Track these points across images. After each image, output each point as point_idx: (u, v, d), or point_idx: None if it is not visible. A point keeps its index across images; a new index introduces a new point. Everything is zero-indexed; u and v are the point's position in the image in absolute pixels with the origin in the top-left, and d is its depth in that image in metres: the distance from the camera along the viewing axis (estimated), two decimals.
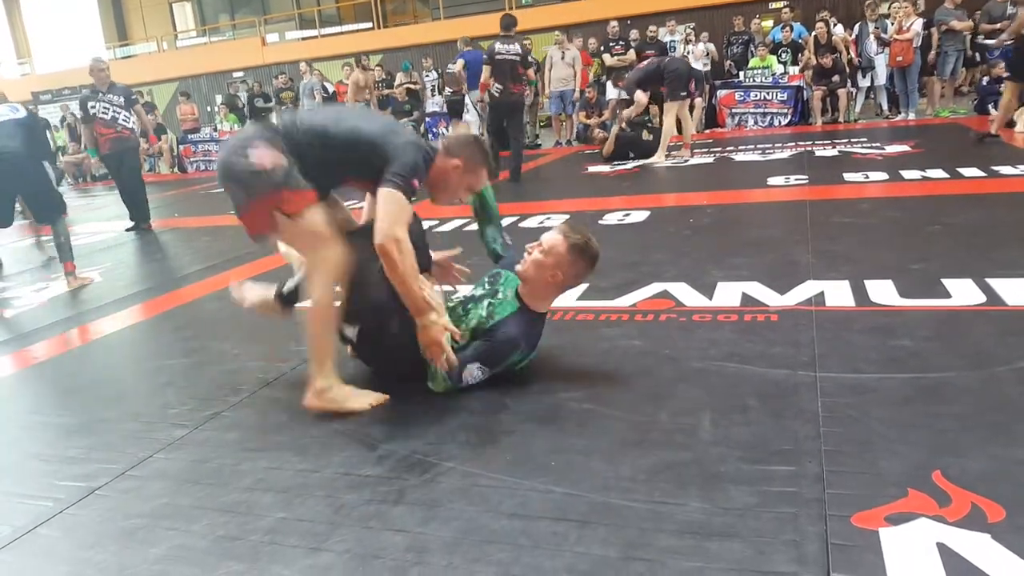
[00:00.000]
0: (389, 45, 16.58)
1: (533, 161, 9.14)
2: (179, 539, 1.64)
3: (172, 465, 2.02)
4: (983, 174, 5.25)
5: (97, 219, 8.05)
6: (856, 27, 10.54)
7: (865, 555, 1.36)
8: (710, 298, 2.98)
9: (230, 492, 1.83)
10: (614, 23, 11.29)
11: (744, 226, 4.52)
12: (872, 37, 9.99)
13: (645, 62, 8.36)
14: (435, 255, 2.60)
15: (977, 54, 9.96)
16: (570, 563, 1.42)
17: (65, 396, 2.78)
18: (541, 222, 5.02)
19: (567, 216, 5.16)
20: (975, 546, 1.36)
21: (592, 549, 1.45)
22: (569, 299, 3.12)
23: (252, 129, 2.32)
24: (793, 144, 8.21)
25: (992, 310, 2.58)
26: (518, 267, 2.36)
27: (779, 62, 10.74)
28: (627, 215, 5.00)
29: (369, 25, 18.20)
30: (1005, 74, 8.75)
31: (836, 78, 9.94)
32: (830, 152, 7.29)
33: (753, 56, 11.00)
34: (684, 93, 7.76)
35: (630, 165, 7.87)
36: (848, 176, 5.74)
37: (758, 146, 8.36)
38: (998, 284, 2.79)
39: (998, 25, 9.04)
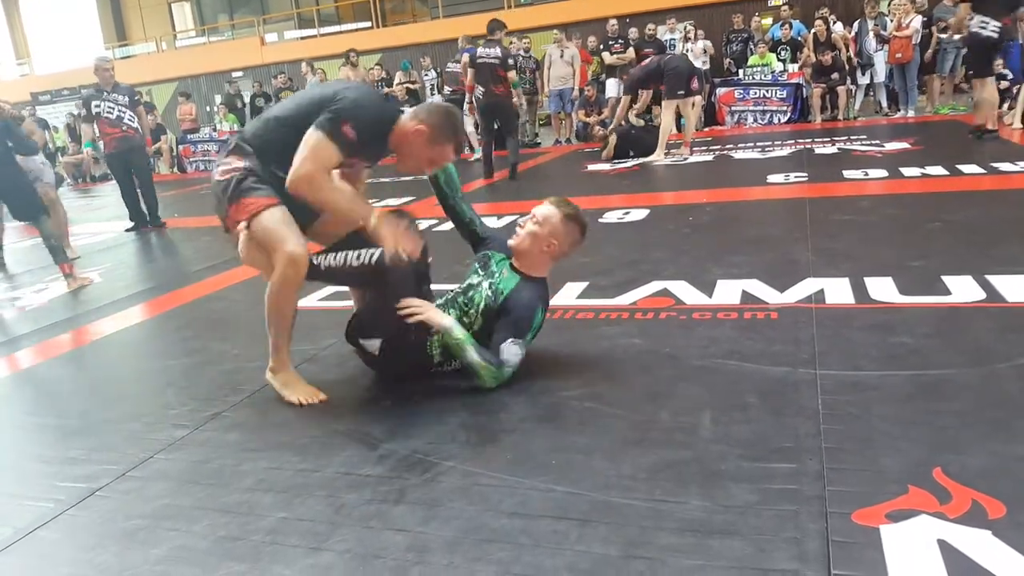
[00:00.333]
0: (388, 44, 16.56)
1: (532, 160, 9.14)
2: (180, 540, 1.64)
3: (173, 466, 2.02)
4: (982, 171, 5.25)
5: (96, 219, 8.05)
6: (855, 24, 10.53)
7: (866, 552, 1.36)
8: (710, 296, 2.98)
9: (231, 492, 1.83)
10: (613, 21, 11.29)
11: (744, 224, 4.51)
12: (871, 34, 9.99)
13: (646, 60, 8.36)
14: None
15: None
16: (571, 562, 1.42)
17: (65, 397, 2.78)
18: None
19: None
20: (976, 543, 1.36)
21: (593, 548, 1.45)
22: (569, 298, 3.13)
23: (228, 141, 2.37)
24: (793, 142, 8.21)
25: (992, 307, 2.58)
26: (511, 241, 2.37)
27: (778, 60, 10.73)
28: (627, 213, 5.00)
29: (368, 24, 18.19)
30: (1004, 72, 8.77)
31: (835, 75, 9.94)
32: (830, 150, 7.29)
33: (752, 54, 11.00)
34: (682, 91, 7.75)
35: (630, 163, 7.87)
36: (848, 173, 5.74)
37: (758, 144, 8.36)
38: (998, 281, 2.79)
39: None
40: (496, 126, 7.91)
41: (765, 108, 10.57)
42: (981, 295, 2.68)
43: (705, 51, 11.23)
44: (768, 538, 1.43)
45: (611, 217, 4.94)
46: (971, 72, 7.25)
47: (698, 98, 10.25)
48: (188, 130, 14.33)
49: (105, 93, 6.62)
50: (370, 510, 1.68)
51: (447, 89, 10.96)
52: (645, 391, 2.17)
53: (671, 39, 11.19)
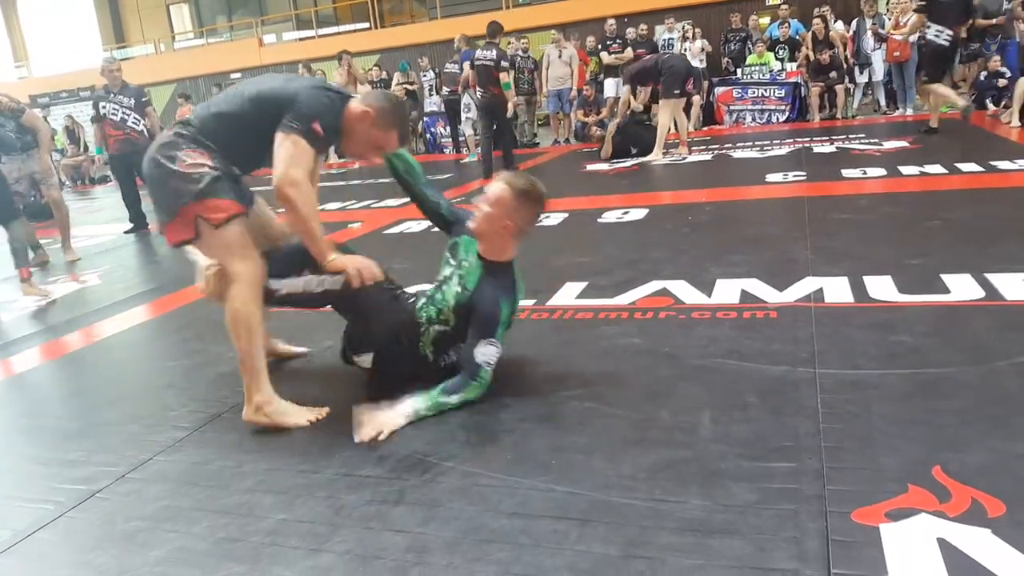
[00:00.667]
0: (386, 45, 16.55)
1: (531, 160, 9.14)
2: (180, 541, 1.64)
3: (172, 467, 2.02)
4: (981, 169, 5.26)
5: (95, 222, 8.05)
6: (854, 23, 10.53)
7: (866, 551, 1.36)
8: (709, 295, 2.98)
9: (231, 494, 1.83)
10: (611, 21, 11.28)
11: (742, 223, 4.52)
12: (869, 33, 9.99)
13: (645, 57, 8.38)
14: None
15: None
16: (571, 562, 1.42)
17: (64, 399, 2.77)
18: (539, 220, 5.00)
19: (566, 215, 5.16)
20: (975, 541, 1.36)
21: (593, 547, 1.45)
22: (568, 298, 3.13)
23: (171, 133, 2.25)
24: (791, 140, 8.22)
25: (991, 305, 2.58)
26: (471, 224, 2.34)
27: (776, 59, 10.74)
28: (626, 213, 5.00)
29: (366, 25, 18.18)
30: (1002, 69, 8.79)
31: (833, 74, 9.94)
32: (828, 148, 7.29)
33: (751, 53, 11.00)
34: (678, 91, 7.76)
35: (628, 163, 7.87)
36: (846, 172, 5.74)
37: (756, 143, 8.36)
38: (997, 279, 2.79)
39: (993, 20, 9.05)
40: (495, 126, 7.99)
41: (763, 107, 10.58)
42: (980, 293, 2.68)
43: (703, 50, 11.23)
44: (768, 537, 1.43)
45: (610, 217, 4.94)
46: (925, 76, 7.65)
47: (697, 97, 10.27)
48: None
49: (112, 95, 6.61)
50: (370, 511, 1.68)
51: (445, 90, 10.97)
52: (644, 391, 2.17)
53: (669, 38, 11.19)
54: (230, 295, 2.18)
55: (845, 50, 10.20)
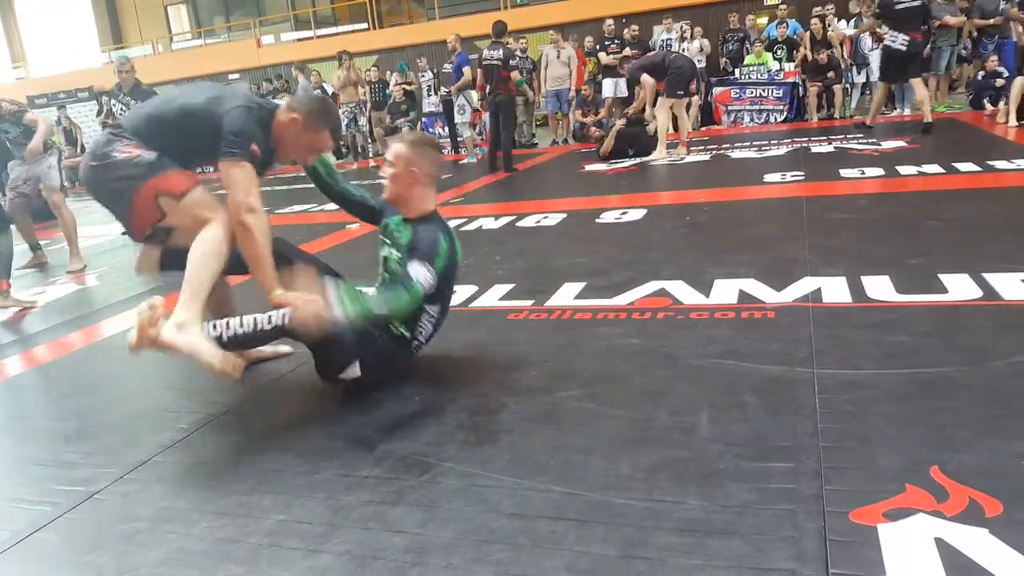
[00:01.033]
0: (384, 45, 16.56)
1: (530, 160, 9.14)
2: (178, 542, 1.64)
3: (171, 468, 2.02)
4: (979, 169, 5.27)
5: (93, 222, 8.03)
6: (851, 22, 10.54)
7: (863, 551, 1.36)
8: (707, 296, 2.98)
9: (229, 495, 1.83)
10: (610, 21, 11.29)
11: (741, 223, 4.52)
12: (867, 33, 9.99)
13: (651, 53, 8.41)
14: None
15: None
16: (569, 562, 1.42)
17: (63, 400, 2.77)
18: (538, 221, 5.02)
19: (564, 216, 5.16)
20: (973, 541, 1.36)
21: (591, 548, 1.46)
22: (567, 298, 3.13)
23: (102, 137, 2.27)
24: (789, 141, 8.22)
25: (989, 305, 2.58)
26: (384, 196, 2.37)
27: (774, 59, 10.75)
28: (624, 213, 5.00)
29: (365, 26, 18.18)
30: (999, 69, 8.80)
31: (831, 74, 9.95)
32: (826, 148, 7.30)
33: (749, 53, 11.01)
34: (681, 92, 7.78)
35: (627, 163, 7.88)
36: (844, 172, 5.75)
37: (754, 143, 8.37)
38: (995, 279, 2.79)
39: (991, 21, 9.06)
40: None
41: (761, 107, 10.59)
42: (978, 293, 2.69)
43: (702, 50, 11.23)
44: (766, 537, 1.43)
45: (608, 217, 4.94)
46: (883, 77, 8.13)
47: (695, 98, 10.27)
48: None
49: (122, 94, 6.59)
50: (368, 511, 1.68)
51: (444, 90, 10.97)
52: (643, 391, 2.18)
53: (667, 39, 11.20)
54: (206, 231, 2.19)
55: (843, 50, 10.20)
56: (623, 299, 3.05)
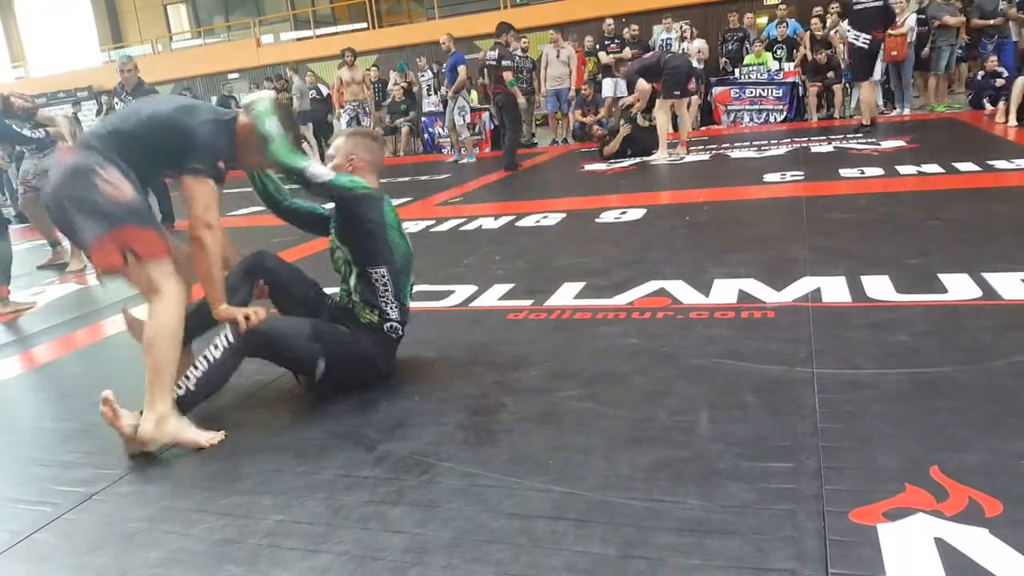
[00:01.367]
0: (384, 45, 16.55)
1: (530, 159, 9.14)
2: (178, 543, 1.64)
3: (170, 469, 2.02)
4: (978, 169, 5.27)
5: None
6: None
7: (863, 551, 1.36)
8: (707, 295, 2.98)
9: (229, 495, 1.82)
10: (610, 21, 11.28)
11: (740, 223, 4.52)
12: None
13: (648, 54, 8.42)
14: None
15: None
16: (569, 562, 1.42)
17: (62, 401, 2.77)
18: (538, 220, 5.02)
19: (564, 215, 5.16)
20: (973, 541, 1.36)
21: (591, 548, 1.46)
22: (566, 298, 3.13)
23: (86, 154, 2.18)
24: (789, 140, 8.22)
25: (988, 304, 2.58)
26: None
27: (774, 58, 10.74)
28: (624, 213, 5.00)
29: (364, 25, 18.18)
30: (999, 69, 8.79)
31: (831, 74, 9.95)
32: (826, 148, 7.30)
33: (748, 53, 11.00)
34: (678, 92, 7.78)
35: (627, 163, 7.88)
36: (844, 172, 5.75)
37: (754, 143, 8.37)
38: (994, 278, 2.79)
39: (991, 21, 9.06)
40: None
41: (761, 107, 10.59)
42: (978, 293, 2.69)
43: (699, 51, 11.22)
44: (766, 537, 1.43)
45: (608, 217, 4.94)
46: (856, 76, 8.53)
47: (695, 97, 10.27)
48: None
49: (124, 93, 6.58)
50: (368, 512, 1.68)
51: (443, 90, 10.96)
52: (643, 391, 2.18)
53: (667, 38, 11.19)
54: (157, 310, 2.13)
55: (844, 50, 10.20)
56: (623, 299, 3.05)
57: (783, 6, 11.20)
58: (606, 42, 11.10)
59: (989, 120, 8.03)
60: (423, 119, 12.16)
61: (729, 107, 10.81)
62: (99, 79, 18.28)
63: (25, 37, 22.75)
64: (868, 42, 7.86)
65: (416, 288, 3.51)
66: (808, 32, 10.45)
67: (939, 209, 4.14)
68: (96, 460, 2.10)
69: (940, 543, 1.36)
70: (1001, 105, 7.83)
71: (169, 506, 1.81)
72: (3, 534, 1.76)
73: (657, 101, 7.93)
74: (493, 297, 3.28)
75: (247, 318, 2.19)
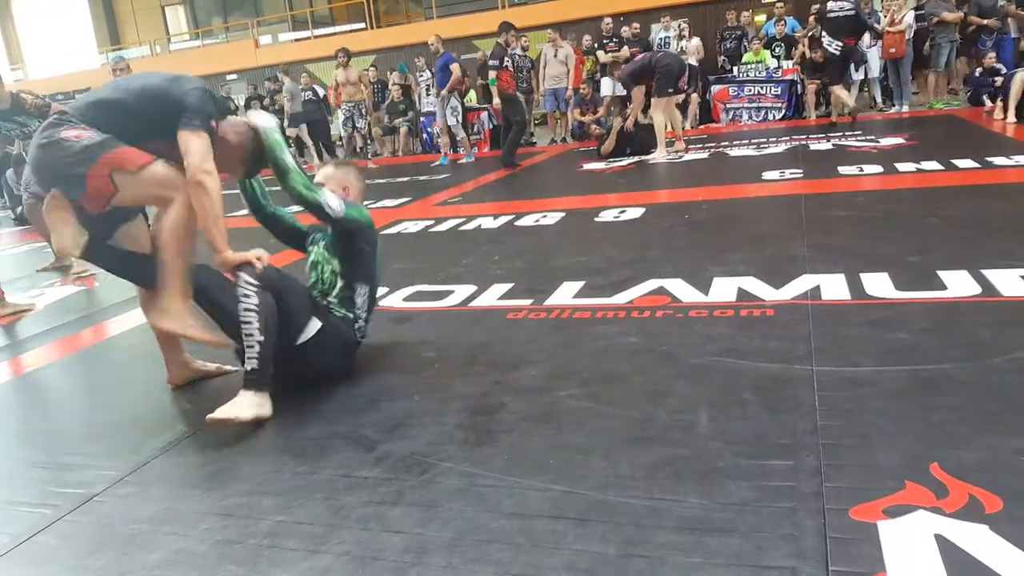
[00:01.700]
0: (383, 45, 16.56)
1: (529, 159, 9.14)
2: (178, 544, 1.64)
3: (170, 470, 2.02)
4: (977, 165, 5.27)
5: None
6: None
7: (863, 548, 1.36)
8: (706, 294, 2.98)
9: (229, 496, 1.82)
10: (608, 20, 11.29)
11: (739, 221, 4.52)
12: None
13: (638, 56, 8.43)
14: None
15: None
16: (569, 561, 1.42)
17: (62, 402, 2.77)
18: (537, 220, 5.02)
19: (563, 215, 5.16)
20: (973, 537, 1.36)
21: (591, 547, 1.46)
22: (566, 297, 3.13)
23: (45, 124, 2.22)
24: (787, 138, 8.22)
25: (988, 301, 2.58)
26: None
27: (772, 56, 10.74)
28: (623, 212, 5.00)
29: (362, 25, 18.18)
30: (997, 66, 8.79)
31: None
32: (824, 146, 7.30)
33: (747, 51, 11.00)
34: (672, 89, 7.79)
35: (625, 162, 7.88)
36: (843, 169, 5.75)
37: (753, 141, 8.37)
38: (993, 275, 2.79)
39: (986, 21, 9.05)
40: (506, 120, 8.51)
41: (760, 105, 10.59)
42: (977, 289, 2.69)
43: (697, 51, 11.24)
44: (766, 535, 1.43)
45: (607, 216, 4.94)
46: (831, 80, 8.92)
47: (694, 95, 10.28)
48: None
49: None
50: (368, 512, 1.68)
51: (431, 91, 10.95)
52: (642, 390, 2.18)
53: (665, 37, 11.20)
54: (170, 213, 2.22)
55: None
56: (622, 298, 3.05)
57: (781, 4, 11.20)
58: (604, 41, 11.10)
59: (988, 117, 8.03)
60: (422, 119, 12.17)
61: (728, 105, 10.81)
62: (97, 81, 18.24)
63: (23, 39, 22.74)
64: (839, 48, 8.38)
65: (415, 288, 3.53)
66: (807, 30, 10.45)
67: (938, 206, 4.14)
68: (96, 462, 2.10)
69: (940, 540, 1.36)
70: (999, 102, 7.83)
71: (169, 507, 1.81)
72: (3, 536, 1.75)
73: (653, 100, 7.94)
74: (492, 297, 3.28)
75: (259, 259, 2.25)
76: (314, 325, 2.36)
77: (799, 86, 10.36)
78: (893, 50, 9.31)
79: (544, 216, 5.14)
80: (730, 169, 6.75)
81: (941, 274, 2.88)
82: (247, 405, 2.17)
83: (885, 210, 4.30)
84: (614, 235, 4.39)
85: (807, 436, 1.79)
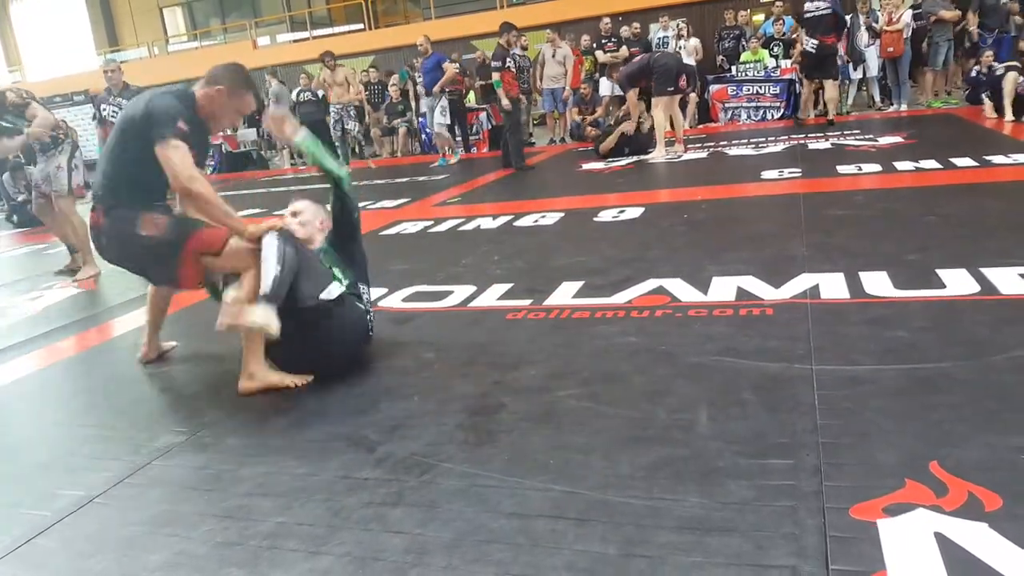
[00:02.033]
0: (381, 46, 16.54)
1: (528, 159, 9.12)
2: (179, 545, 1.64)
3: (170, 472, 2.02)
4: (975, 164, 5.27)
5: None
6: (847, 19, 10.53)
7: (863, 547, 1.37)
8: (705, 293, 2.98)
9: (229, 497, 1.82)
10: (607, 20, 11.28)
11: (738, 220, 4.52)
12: (863, 29, 10.00)
13: (636, 58, 8.43)
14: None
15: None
16: (569, 561, 1.42)
17: (61, 405, 2.77)
18: (536, 220, 5.02)
19: (562, 214, 5.16)
20: (972, 535, 1.36)
21: (591, 547, 1.46)
22: (565, 297, 3.13)
23: (115, 214, 2.50)
24: (786, 137, 8.22)
25: (986, 299, 2.58)
26: (312, 246, 2.60)
27: (771, 56, 10.74)
28: (622, 212, 5.00)
29: (360, 26, 18.16)
30: (995, 64, 8.80)
31: None
32: (823, 145, 7.30)
33: (745, 50, 11.00)
34: (671, 88, 7.78)
35: (624, 162, 7.88)
36: (841, 168, 5.75)
37: (751, 140, 8.37)
38: (992, 273, 2.80)
39: (995, 30, 9.04)
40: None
41: (758, 104, 10.59)
42: (976, 288, 2.69)
43: (696, 51, 11.23)
44: (766, 534, 1.43)
45: (606, 216, 4.94)
46: (807, 76, 9.12)
47: (692, 95, 10.27)
48: None
49: (112, 96, 6.56)
50: (368, 513, 1.68)
51: (420, 91, 10.93)
52: (642, 389, 2.18)
53: (664, 37, 11.20)
54: (244, 284, 2.42)
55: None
56: (621, 297, 3.05)
57: (779, 3, 11.19)
58: (603, 41, 11.09)
59: (986, 116, 8.03)
60: (420, 119, 12.16)
61: (726, 104, 10.81)
62: (96, 83, 18.22)
63: (21, 41, 22.72)
64: (816, 47, 8.50)
65: (415, 289, 3.53)
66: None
67: (937, 205, 4.15)
68: (96, 464, 2.10)
69: (940, 538, 1.36)
70: (988, 100, 7.84)
71: (169, 509, 1.81)
72: (4, 538, 1.75)
73: (652, 100, 7.94)
74: (492, 297, 3.28)
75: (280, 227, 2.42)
76: (336, 288, 2.49)
77: (798, 85, 10.35)
78: (891, 49, 9.32)
79: (543, 216, 5.14)
80: (729, 168, 6.75)
81: (940, 272, 2.88)
82: (259, 312, 2.29)
83: (884, 209, 4.30)
84: (613, 235, 4.39)
85: (807, 435, 1.79)
